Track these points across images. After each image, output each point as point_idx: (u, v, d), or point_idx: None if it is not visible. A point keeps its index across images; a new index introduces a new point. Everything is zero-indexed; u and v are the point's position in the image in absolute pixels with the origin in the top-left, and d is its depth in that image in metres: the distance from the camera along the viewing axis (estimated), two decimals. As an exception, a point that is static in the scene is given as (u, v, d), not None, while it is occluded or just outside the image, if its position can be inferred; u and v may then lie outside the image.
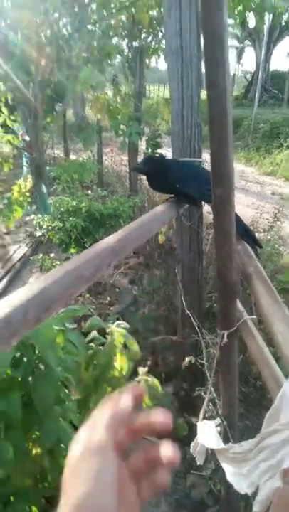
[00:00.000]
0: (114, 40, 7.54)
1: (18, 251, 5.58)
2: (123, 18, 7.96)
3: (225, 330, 1.08)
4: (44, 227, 3.40)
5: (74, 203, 3.33)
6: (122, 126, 4.47)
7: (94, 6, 7.65)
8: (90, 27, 6.98)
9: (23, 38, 4.18)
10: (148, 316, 3.63)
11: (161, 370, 3.02)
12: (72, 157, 7.57)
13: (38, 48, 4.29)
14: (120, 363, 1.56)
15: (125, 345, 1.60)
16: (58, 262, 3.60)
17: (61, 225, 3.38)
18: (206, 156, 1.31)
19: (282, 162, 9.45)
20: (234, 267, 1.00)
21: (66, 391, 1.23)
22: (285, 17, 17.09)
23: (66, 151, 7.97)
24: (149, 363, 3.10)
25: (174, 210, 1.27)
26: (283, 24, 17.63)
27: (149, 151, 4.70)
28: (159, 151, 4.71)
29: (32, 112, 4.30)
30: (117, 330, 1.63)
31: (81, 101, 10.84)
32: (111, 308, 4.08)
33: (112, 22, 6.36)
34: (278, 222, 4.14)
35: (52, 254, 4.19)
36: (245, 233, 1.21)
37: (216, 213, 0.92)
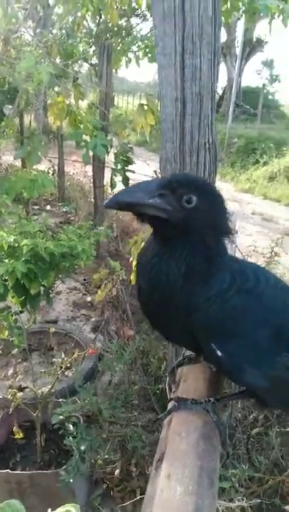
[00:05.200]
0: (80, 46, 6.68)
1: None
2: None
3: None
4: None
5: (11, 239, 2.38)
6: (84, 137, 3.59)
7: (59, 10, 6.78)
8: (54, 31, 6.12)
9: None
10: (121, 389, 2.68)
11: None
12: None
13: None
14: None
15: None
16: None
17: (-7, 268, 2.41)
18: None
19: (260, 179, 8.94)
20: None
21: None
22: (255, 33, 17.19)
23: (23, 160, 6.92)
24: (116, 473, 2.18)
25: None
26: (255, 40, 17.74)
27: (118, 167, 3.85)
28: (131, 167, 3.87)
29: None
30: None
31: (44, 106, 9.80)
32: (66, 373, 3.11)
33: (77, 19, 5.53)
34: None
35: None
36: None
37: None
